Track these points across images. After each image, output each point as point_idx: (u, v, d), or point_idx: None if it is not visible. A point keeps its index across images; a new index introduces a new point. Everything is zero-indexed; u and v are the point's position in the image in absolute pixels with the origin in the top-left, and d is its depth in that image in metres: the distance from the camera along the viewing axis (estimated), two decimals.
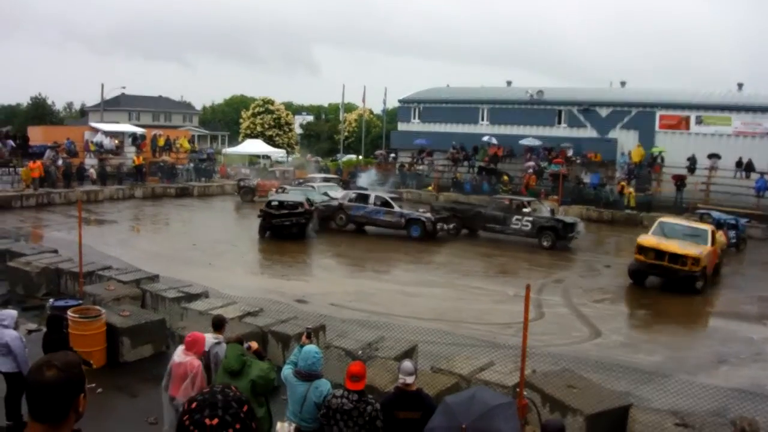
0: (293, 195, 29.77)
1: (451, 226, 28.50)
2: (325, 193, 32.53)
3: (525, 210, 27.96)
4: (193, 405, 2.62)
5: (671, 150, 41.11)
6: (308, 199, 28.64)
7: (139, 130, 49.68)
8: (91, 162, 41.57)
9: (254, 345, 7.90)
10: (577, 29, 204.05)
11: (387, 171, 47.46)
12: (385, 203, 28.62)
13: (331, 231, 28.91)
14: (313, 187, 33.78)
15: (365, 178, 40.77)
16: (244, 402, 2.72)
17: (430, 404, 6.57)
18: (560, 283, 21.34)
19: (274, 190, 34.13)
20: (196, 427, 2.54)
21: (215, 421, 2.58)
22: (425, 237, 27.22)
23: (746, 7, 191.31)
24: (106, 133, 45.81)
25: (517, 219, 27.66)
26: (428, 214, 28.10)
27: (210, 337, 8.55)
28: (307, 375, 6.99)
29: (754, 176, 37.36)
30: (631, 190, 37.69)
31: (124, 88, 67.75)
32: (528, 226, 27.29)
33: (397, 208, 28.37)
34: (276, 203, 27.59)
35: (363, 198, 29.30)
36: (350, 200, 29.30)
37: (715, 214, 29.22)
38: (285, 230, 26.48)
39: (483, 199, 34.56)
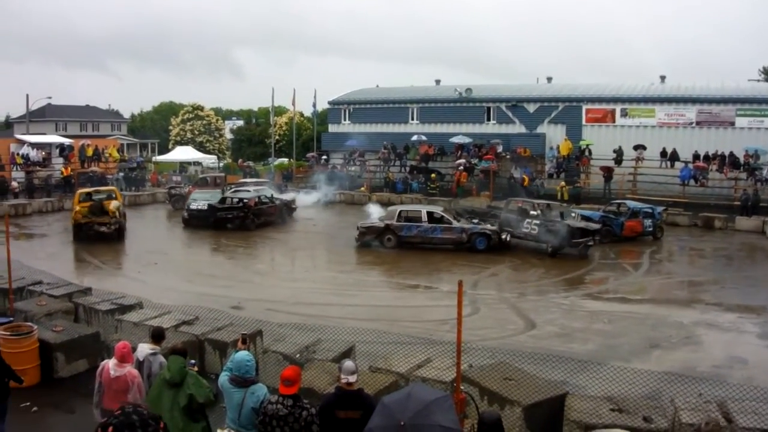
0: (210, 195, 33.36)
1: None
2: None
3: (533, 213, 26.60)
4: (110, 429, 2.60)
5: (598, 142, 42.02)
6: (261, 197, 32.74)
7: (66, 141, 48.55)
8: (17, 175, 40.65)
9: (195, 369, 7.72)
10: (501, 27, 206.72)
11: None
12: (440, 219, 26.57)
13: (256, 235, 28.77)
14: (248, 191, 33.70)
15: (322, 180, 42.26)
16: (159, 418, 2.73)
17: (370, 403, 6.58)
18: (495, 278, 21.62)
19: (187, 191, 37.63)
20: None
21: None
22: (490, 249, 25.50)
23: (667, 3, 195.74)
24: (33, 145, 44.73)
25: (527, 222, 26.34)
26: (489, 225, 26.32)
27: (146, 347, 8.22)
28: (242, 381, 6.96)
29: (679, 165, 38.42)
30: (563, 183, 38.32)
31: (50, 98, 66.31)
32: (536, 230, 25.99)
33: (456, 224, 26.31)
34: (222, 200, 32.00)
35: (414, 216, 27.05)
36: (398, 220, 26.75)
37: (631, 203, 29.89)
38: (227, 222, 30.87)
39: (499, 203, 32.81)
